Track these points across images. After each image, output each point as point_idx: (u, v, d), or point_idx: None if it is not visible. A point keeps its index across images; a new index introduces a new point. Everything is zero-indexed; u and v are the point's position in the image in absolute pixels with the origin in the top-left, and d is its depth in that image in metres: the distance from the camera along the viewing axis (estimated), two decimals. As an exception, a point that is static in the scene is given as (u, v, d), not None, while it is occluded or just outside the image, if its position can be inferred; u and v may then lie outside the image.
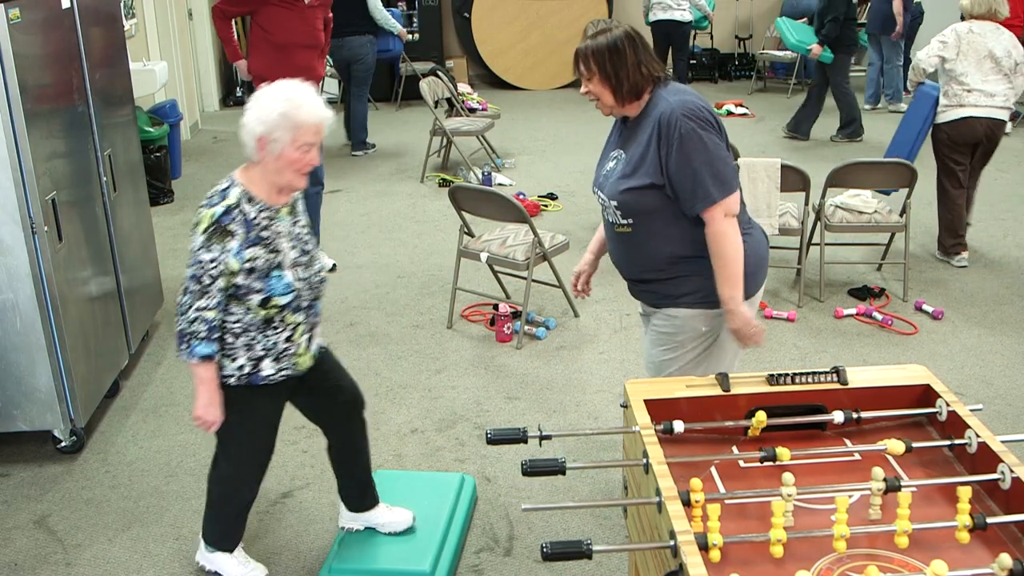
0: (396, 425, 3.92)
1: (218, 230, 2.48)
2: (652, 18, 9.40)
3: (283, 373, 2.70)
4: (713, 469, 2.30)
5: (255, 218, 2.54)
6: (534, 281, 4.75)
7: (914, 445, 2.28)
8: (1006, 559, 1.80)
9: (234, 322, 2.60)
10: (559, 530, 3.26)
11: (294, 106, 2.48)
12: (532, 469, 2.23)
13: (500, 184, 7.21)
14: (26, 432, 3.71)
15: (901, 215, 5.09)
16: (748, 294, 2.79)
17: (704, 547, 1.89)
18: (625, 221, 2.79)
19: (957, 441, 2.28)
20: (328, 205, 6.81)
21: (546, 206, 6.72)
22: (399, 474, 3.46)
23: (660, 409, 2.40)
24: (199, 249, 2.49)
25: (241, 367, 2.65)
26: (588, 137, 8.77)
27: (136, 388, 4.26)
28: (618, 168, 2.80)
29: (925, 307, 4.92)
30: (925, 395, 2.48)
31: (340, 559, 2.99)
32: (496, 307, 4.80)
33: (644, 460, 2.18)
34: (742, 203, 2.81)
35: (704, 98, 2.77)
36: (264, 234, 2.55)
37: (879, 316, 4.81)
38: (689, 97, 2.70)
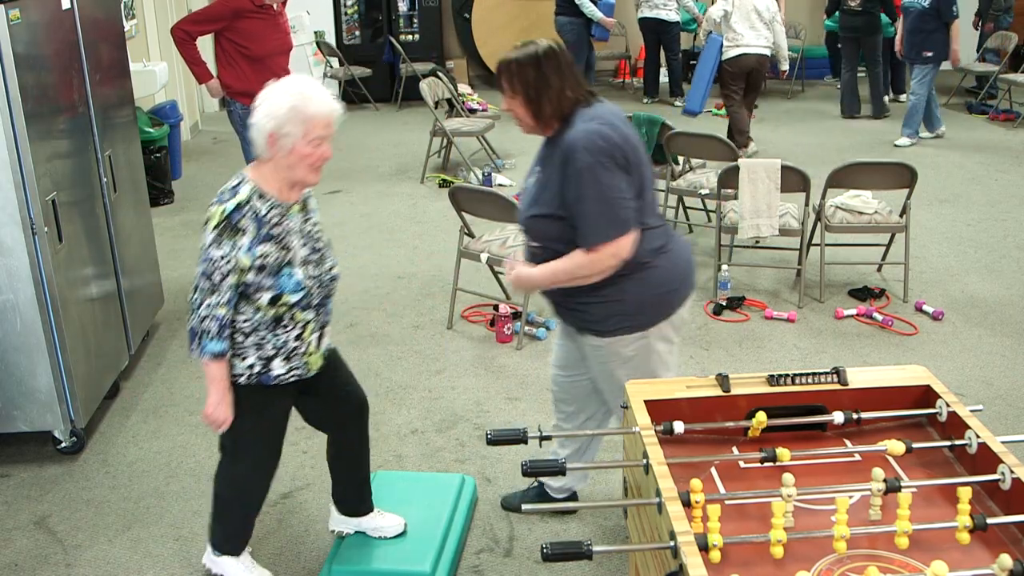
0: (396, 426, 3.92)
1: (229, 227, 2.46)
2: (639, 14, 9.52)
3: (294, 373, 2.68)
4: (713, 470, 2.30)
5: (266, 215, 2.52)
6: (534, 282, 4.74)
7: (914, 446, 2.28)
8: (1006, 560, 1.80)
9: (244, 321, 2.59)
10: (559, 531, 3.26)
11: (304, 100, 2.45)
12: (532, 470, 2.23)
13: (500, 185, 7.21)
14: (26, 433, 3.71)
15: (901, 215, 5.09)
16: (656, 320, 2.77)
17: (704, 548, 1.90)
18: (535, 244, 2.77)
19: (957, 442, 2.28)
20: (328, 205, 6.82)
21: (546, 207, 6.71)
22: (399, 475, 3.46)
23: (660, 410, 2.40)
24: (210, 246, 2.48)
25: (251, 366, 2.63)
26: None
27: (136, 389, 4.25)
28: (533, 189, 2.76)
29: (925, 308, 4.92)
30: (925, 396, 2.48)
31: (340, 559, 2.99)
32: (496, 308, 4.80)
33: (644, 461, 2.18)
34: (664, 226, 2.78)
35: (620, 120, 2.67)
36: (275, 231, 2.53)
37: (879, 317, 4.81)
38: (599, 126, 2.60)
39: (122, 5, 6.42)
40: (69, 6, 3.77)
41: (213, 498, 2.89)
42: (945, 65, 8.24)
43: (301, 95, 2.45)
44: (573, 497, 3.31)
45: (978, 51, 10.35)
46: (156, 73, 6.91)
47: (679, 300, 2.83)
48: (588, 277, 2.67)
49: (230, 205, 2.48)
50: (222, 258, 2.47)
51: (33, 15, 3.42)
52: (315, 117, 2.46)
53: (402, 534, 3.08)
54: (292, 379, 2.69)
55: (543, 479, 3.32)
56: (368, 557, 3.00)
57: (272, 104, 2.45)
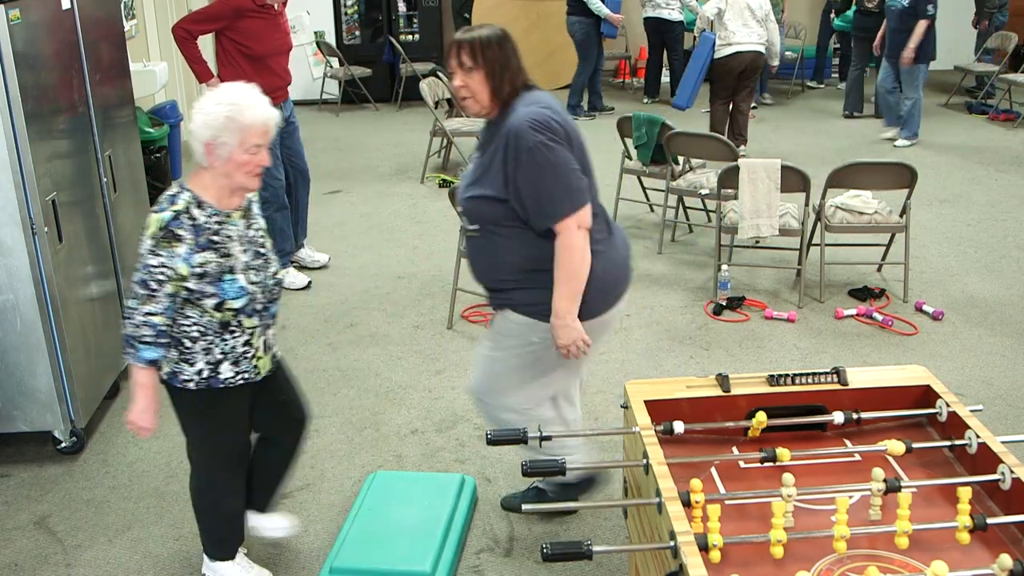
0: (396, 426, 3.92)
1: (166, 235, 2.50)
2: (643, 14, 9.55)
3: (242, 376, 2.72)
4: (713, 470, 2.30)
5: (205, 223, 2.55)
6: (534, 282, 4.74)
7: (914, 446, 2.28)
8: (1006, 560, 1.80)
9: (191, 326, 2.61)
10: (559, 531, 3.26)
11: (239, 109, 2.50)
12: (532, 470, 2.23)
13: (500, 185, 7.20)
14: (26, 433, 3.71)
15: (901, 215, 5.09)
16: (598, 311, 2.77)
17: (704, 548, 1.90)
18: (472, 227, 2.78)
19: (957, 442, 2.28)
20: (328, 205, 6.82)
21: (546, 207, 6.71)
22: (399, 475, 3.46)
23: (660, 410, 2.40)
24: (147, 254, 2.51)
25: (200, 371, 2.66)
26: (588, 137, 8.74)
27: (136, 389, 4.25)
28: (473, 171, 2.77)
29: (925, 308, 4.92)
30: (925, 396, 2.48)
31: (340, 559, 2.99)
32: (496, 308, 4.80)
33: (644, 461, 2.18)
34: (603, 213, 2.79)
35: (559, 106, 2.72)
36: (215, 239, 2.57)
37: (879, 317, 4.81)
38: (540, 108, 2.65)
39: (122, 5, 6.42)
40: (69, 6, 3.77)
41: (193, 508, 2.92)
42: (945, 64, 8.23)
43: (236, 105, 2.50)
44: (586, 484, 3.30)
45: (976, 51, 10.36)
46: (156, 73, 6.90)
47: (610, 301, 2.82)
48: (582, 262, 2.65)
49: (167, 215, 2.51)
50: (158, 266, 2.50)
51: (33, 15, 3.42)
52: (251, 126, 2.51)
53: (285, 535, 3.12)
54: (241, 382, 2.72)
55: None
56: (368, 557, 3.00)
57: (208, 114, 2.50)
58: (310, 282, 5.39)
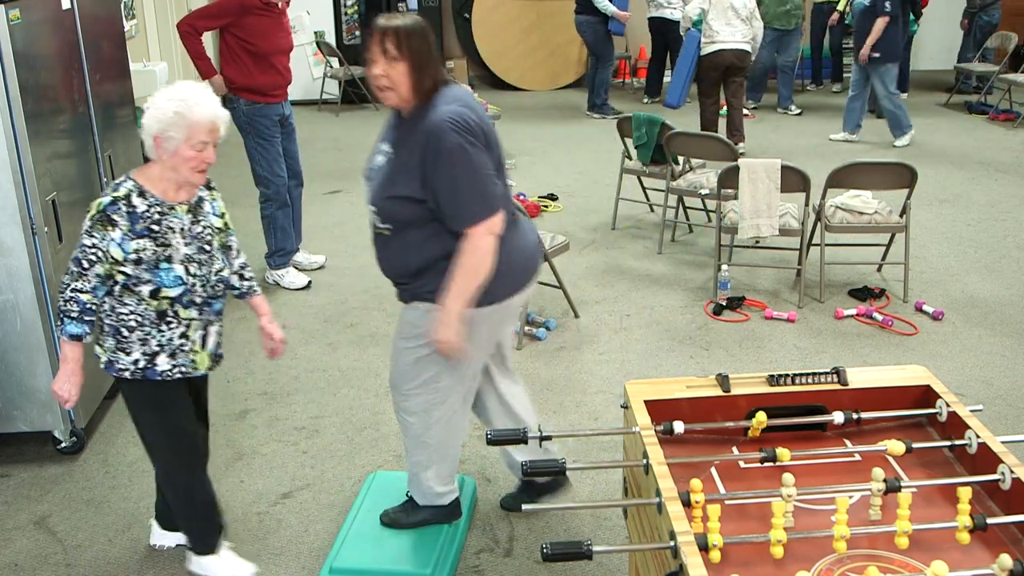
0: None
1: (102, 219, 2.57)
2: (647, 14, 9.60)
3: (180, 369, 2.75)
4: (713, 470, 2.30)
5: (144, 211, 2.62)
6: (534, 282, 4.75)
7: (914, 446, 2.28)
8: (1006, 560, 1.80)
9: (128, 315, 2.66)
10: (559, 531, 3.26)
11: (188, 106, 2.57)
12: (532, 470, 2.23)
13: (500, 185, 7.21)
14: (26, 433, 3.71)
15: (901, 215, 5.09)
16: (496, 298, 2.75)
17: (704, 548, 1.90)
18: (384, 226, 2.75)
19: (957, 442, 2.28)
20: (328, 205, 6.82)
21: (546, 207, 6.72)
22: (399, 475, 3.46)
23: (660, 410, 2.40)
24: (83, 234, 2.59)
25: (136, 361, 2.70)
26: (588, 138, 8.77)
27: (136, 389, 4.25)
28: (385, 169, 2.73)
29: (925, 308, 4.93)
30: (925, 396, 2.48)
31: (340, 559, 2.99)
32: (496, 308, 4.79)
33: (644, 461, 2.18)
34: (509, 205, 2.78)
35: (477, 104, 2.70)
36: (154, 228, 2.62)
37: (879, 317, 4.81)
38: (460, 108, 2.61)
39: (122, 5, 6.42)
40: (69, 6, 3.77)
41: (170, 505, 2.97)
42: (946, 64, 8.23)
43: (185, 101, 2.58)
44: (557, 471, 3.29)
45: (965, 51, 10.36)
46: (156, 73, 6.90)
47: (510, 287, 2.80)
48: (482, 265, 2.65)
49: (106, 199, 2.60)
50: (91, 247, 2.58)
51: (33, 15, 3.42)
52: (198, 123, 2.58)
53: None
54: (178, 375, 2.75)
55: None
56: (368, 557, 3.00)
57: (158, 109, 2.58)
58: (310, 282, 5.39)
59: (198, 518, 2.96)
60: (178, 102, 2.58)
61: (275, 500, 3.44)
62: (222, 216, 2.84)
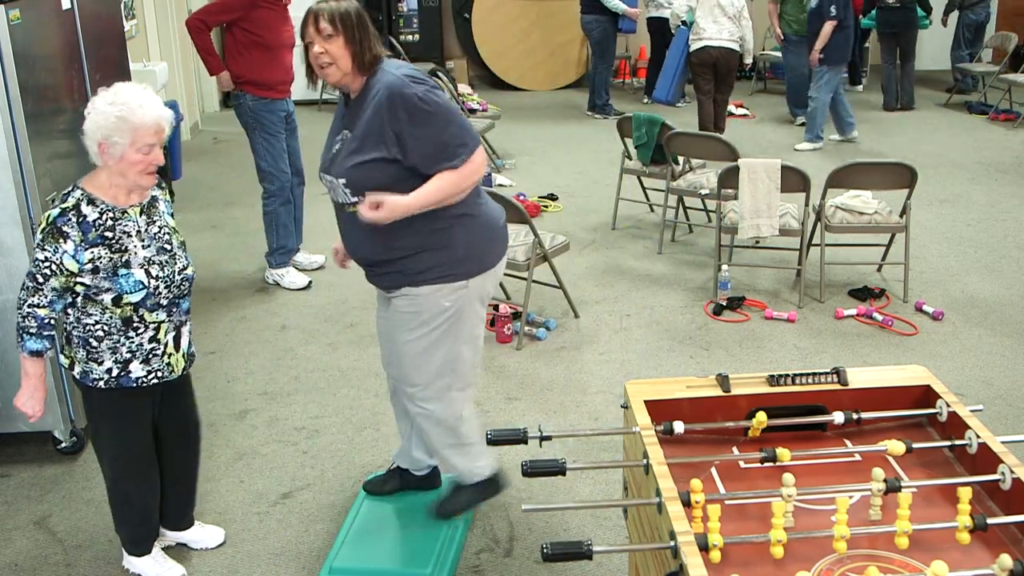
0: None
1: (52, 231, 2.55)
2: (646, 14, 9.61)
3: (156, 375, 2.74)
4: (713, 470, 2.30)
5: (96, 219, 2.59)
6: (534, 282, 4.75)
7: (914, 446, 2.28)
8: (1006, 560, 1.80)
9: (94, 324, 2.65)
10: (559, 531, 3.26)
11: (130, 109, 2.54)
12: (532, 470, 2.23)
13: (500, 185, 7.21)
14: (26, 433, 3.71)
15: (901, 216, 5.09)
16: (477, 270, 2.84)
17: (704, 548, 1.90)
18: (355, 199, 2.77)
19: (957, 442, 2.28)
20: (328, 205, 6.78)
21: (546, 207, 6.72)
22: (399, 475, 3.46)
23: (660, 410, 2.40)
24: (36, 248, 2.57)
25: (109, 370, 2.68)
26: (588, 138, 8.77)
27: (136, 389, 4.25)
28: (345, 147, 2.77)
29: (925, 308, 4.92)
30: (925, 396, 2.48)
31: (340, 559, 2.99)
32: (496, 308, 4.79)
33: (644, 461, 2.18)
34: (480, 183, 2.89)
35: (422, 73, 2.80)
36: (108, 235, 2.60)
37: (879, 317, 4.81)
38: (410, 70, 2.73)
39: (122, 5, 6.42)
40: (69, 6, 3.77)
41: (109, 504, 2.97)
42: (945, 64, 8.23)
43: (127, 105, 2.55)
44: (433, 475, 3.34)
45: (964, 50, 10.35)
46: (156, 73, 6.91)
47: (499, 251, 2.92)
48: (455, 196, 2.74)
49: (55, 211, 2.58)
50: (44, 261, 2.55)
51: (33, 15, 3.42)
52: (142, 126, 2.56)
53: (222, 544, 3.16)
54: (154, 381, 2.74)
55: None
56: (368, 556, 3.00)
57: (100, 114, 2.56)
58: (310, 282, 5.39)
59: (135, 523, 2.96)
60: (120, 106, 2.54)
61: (275, 500, 3.44)
62: (172, 216, 2.83)
